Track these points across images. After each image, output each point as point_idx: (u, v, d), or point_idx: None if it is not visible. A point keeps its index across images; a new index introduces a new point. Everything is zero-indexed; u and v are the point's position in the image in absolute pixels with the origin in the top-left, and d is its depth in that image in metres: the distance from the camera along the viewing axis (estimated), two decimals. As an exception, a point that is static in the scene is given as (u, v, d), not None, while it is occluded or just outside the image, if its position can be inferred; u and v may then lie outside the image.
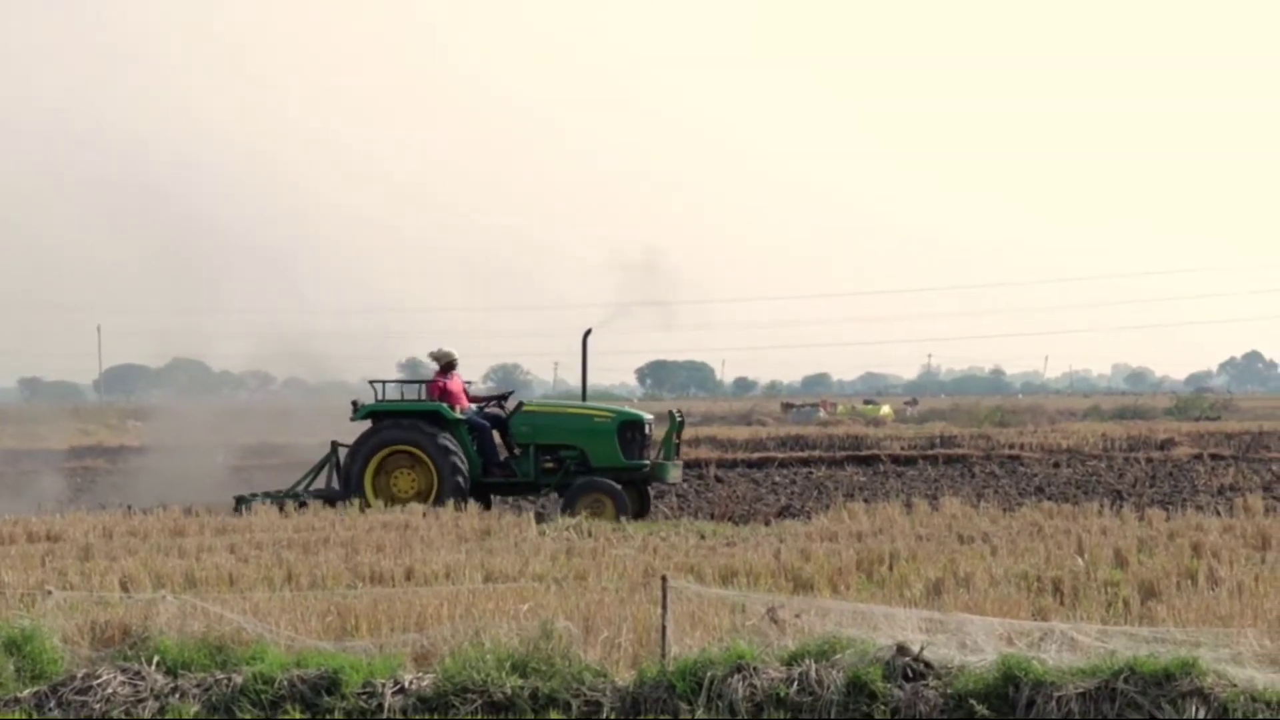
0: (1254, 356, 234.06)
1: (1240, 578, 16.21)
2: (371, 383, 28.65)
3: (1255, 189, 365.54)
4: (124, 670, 12.47)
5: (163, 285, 51.41)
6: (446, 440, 27.28)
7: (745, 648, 12.01)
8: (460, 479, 27.07)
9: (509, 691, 11.89)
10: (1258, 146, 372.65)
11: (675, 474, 28.74)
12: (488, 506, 27.97)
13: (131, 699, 12.26)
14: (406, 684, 12.13)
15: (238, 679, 12.27)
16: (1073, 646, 12.00)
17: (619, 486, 27.00)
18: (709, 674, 11.78)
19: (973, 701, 11.34)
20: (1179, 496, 29.38)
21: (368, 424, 28.04)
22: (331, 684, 12.14)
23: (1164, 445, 46.52)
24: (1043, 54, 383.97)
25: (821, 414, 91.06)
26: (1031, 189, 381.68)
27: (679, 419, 29.04)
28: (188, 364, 62.02)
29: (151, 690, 12.31)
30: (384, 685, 12.10)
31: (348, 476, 27.51)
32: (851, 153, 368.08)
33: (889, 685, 11.55)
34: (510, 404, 29.38)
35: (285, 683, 12.19)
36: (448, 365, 28.35)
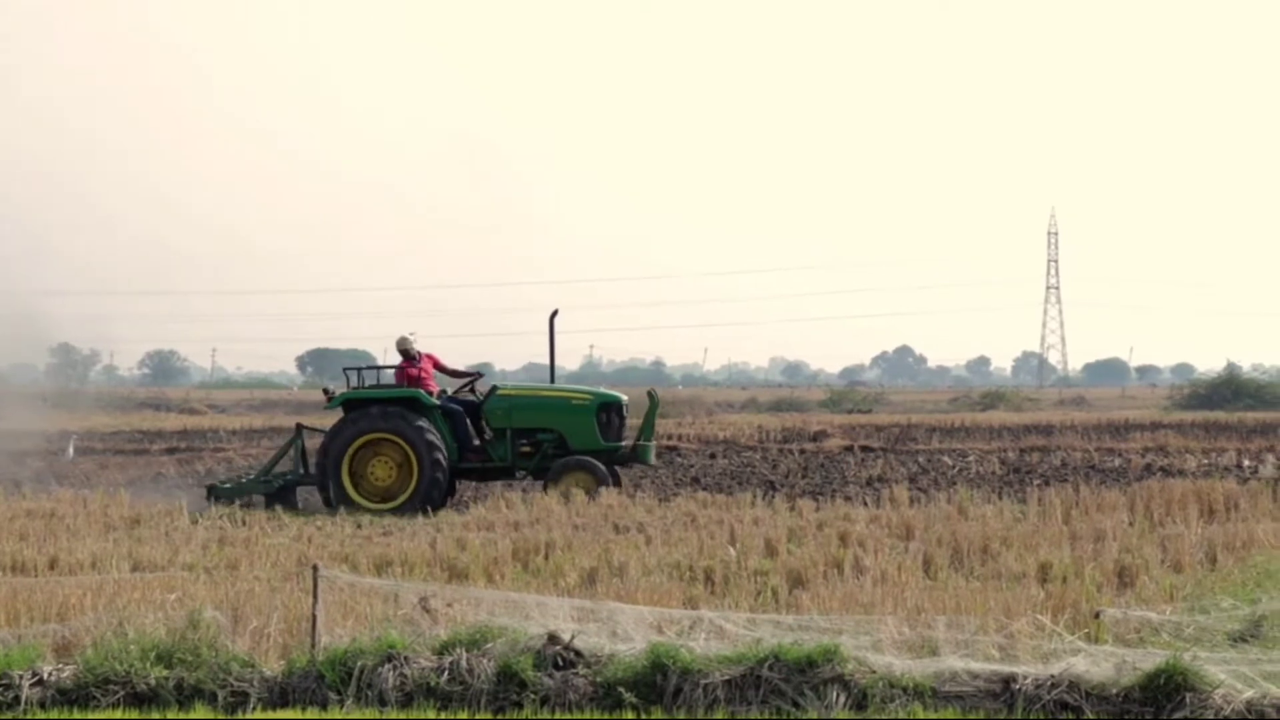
0: (905, 351, 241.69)
1: (884, 567, 16.70)
2: (346, 370, 28.06)
3: (907, 188, 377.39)
4: None
5: None
6: (425, 427, 26.64)
7: (396, 637, 11.97)
8: (440, 465, 26.49)
9: (153, 682, 11.67)
10: (910, 148, 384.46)
11: (654, 455, 28.76)
12: (453, 493, 27.81)
13: None
14: (45, 675, 11.82)
15: None
16: (721, 635, 12.21)
17: (600, 465, 26.82)
18: (359, 664, 11.72)
19: (621, 689, 11.46)
20: (829, 487, 29.96)
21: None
22: (-36, 677, 11.74)
23: (817, 437, 47.56)
24: (712, 52, 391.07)
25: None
26: (687, 185, 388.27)
27: (656, 399, 28.88)
28: None
29: None
30: (21, 677, 11.76)
31: (323, 467, 26.68)
32: (512, 146, 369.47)
33: (539, 674, 11.62)
34: (481, 386, 28.76)
35: (-86, 676, 11.75)
36: (404, 352, 27.67)
